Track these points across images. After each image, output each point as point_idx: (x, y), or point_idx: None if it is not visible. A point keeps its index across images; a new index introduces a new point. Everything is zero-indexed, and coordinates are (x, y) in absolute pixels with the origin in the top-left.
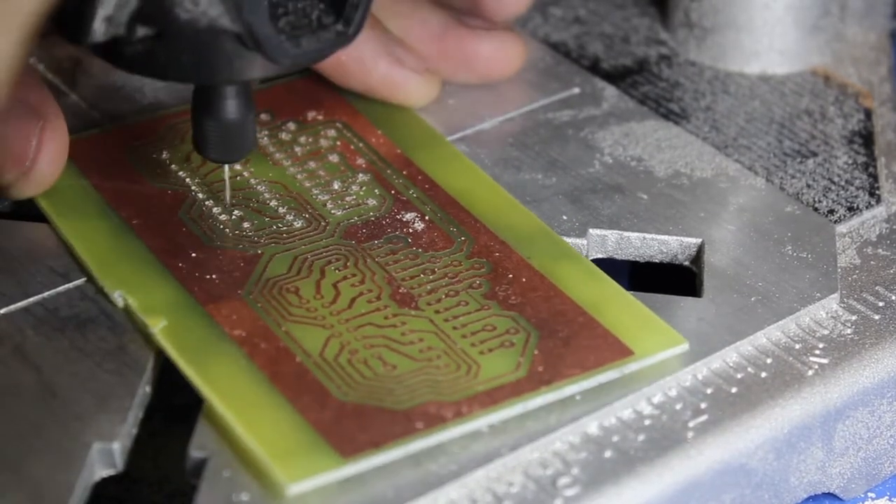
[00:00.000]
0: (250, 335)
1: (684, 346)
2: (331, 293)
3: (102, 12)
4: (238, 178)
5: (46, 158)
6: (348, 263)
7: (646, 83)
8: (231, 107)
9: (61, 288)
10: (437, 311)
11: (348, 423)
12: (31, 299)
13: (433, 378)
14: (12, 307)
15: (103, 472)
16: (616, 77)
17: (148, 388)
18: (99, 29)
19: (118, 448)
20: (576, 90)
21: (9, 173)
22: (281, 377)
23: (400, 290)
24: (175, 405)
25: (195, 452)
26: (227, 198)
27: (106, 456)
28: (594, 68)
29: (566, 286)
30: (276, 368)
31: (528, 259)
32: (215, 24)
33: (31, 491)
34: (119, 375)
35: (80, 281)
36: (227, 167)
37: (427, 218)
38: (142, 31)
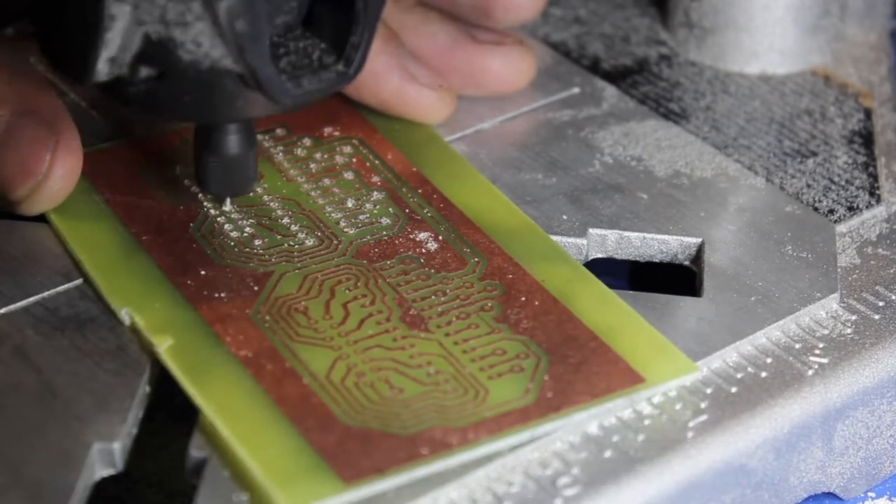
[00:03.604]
0: (256, 356)
1: (696, 374)
2: (340, 314)
3: (106, 53)
4: (251, 193)
5: (59, 173)
6: (359, 283)
7: (646, 83)
8: (233, 142)
9: (61, 288)
10: (446, 334)
11: (352, 448)
12: (31, 299)
13: (440, 403)
14: (12, 307)
15: (103, 472)
16: (616, 77)
17: (148, 388)
18: (102, 70)
19: (118, 448)
20: (576, 90)
21: (21, 188)
22: (286, 399)
23: (410, 312)
24: (175, 404)
25: (195, 452)
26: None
27: (106, 456)
28: (594, 68)
29: (579, 310)
30: (282, 390)
31: (542, 282)
32: (217, 65)
33: (31, 491)
34: (119, 375)
35: (80, 281)
36: (228, 200)
37: (441, 238)
38: (145, 72)
